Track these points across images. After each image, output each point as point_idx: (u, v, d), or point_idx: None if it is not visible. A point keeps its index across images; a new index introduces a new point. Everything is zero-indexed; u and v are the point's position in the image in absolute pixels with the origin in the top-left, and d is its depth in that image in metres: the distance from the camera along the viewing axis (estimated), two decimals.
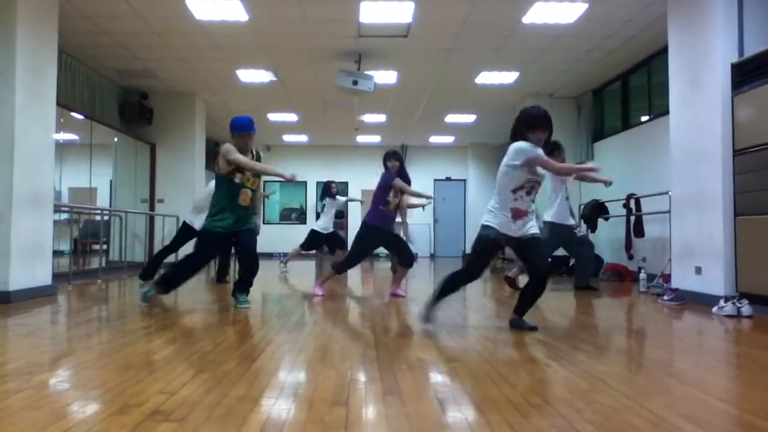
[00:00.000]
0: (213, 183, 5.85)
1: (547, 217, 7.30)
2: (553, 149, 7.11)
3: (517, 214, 4.21)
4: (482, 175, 17.27)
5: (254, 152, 5.58)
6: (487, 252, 4.35)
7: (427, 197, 7.23)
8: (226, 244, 5.66)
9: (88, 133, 9.98)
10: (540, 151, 4.22)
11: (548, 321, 4.92)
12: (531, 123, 4.26)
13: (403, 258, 6.50)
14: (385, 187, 6.34)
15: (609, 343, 4.02)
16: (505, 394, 2.60)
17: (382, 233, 6.40)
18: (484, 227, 4.29)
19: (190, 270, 5.51)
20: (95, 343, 3.87)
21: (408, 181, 6.46)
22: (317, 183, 17.83)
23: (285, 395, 2.59)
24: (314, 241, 10.61)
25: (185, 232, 7.67)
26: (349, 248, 10.83)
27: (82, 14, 7.58)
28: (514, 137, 4.32)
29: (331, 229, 10.59)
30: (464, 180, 18.33)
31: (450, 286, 4.47)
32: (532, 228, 4.29)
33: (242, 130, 5.41)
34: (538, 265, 4.31)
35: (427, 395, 2.62)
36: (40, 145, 6.45)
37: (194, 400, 2.45)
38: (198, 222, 7.22)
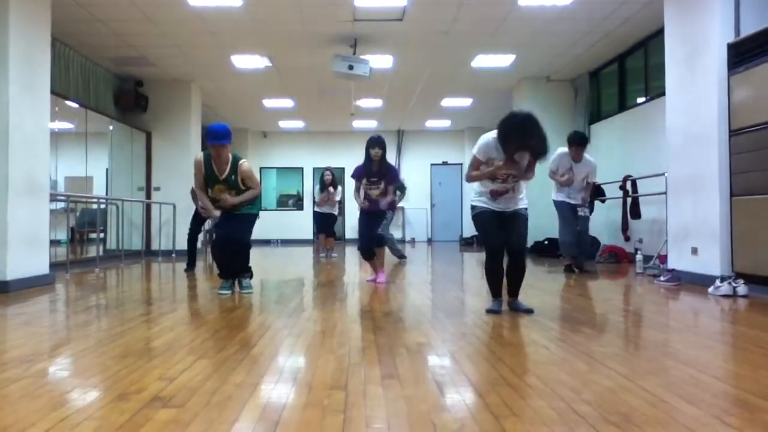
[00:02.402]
0: None
1: None
2: (571, 142, 7.31)
3: (496, 194, 4.31)
4: None
5: (231, 158, 5.36)
6: (487, 222, 4.35)
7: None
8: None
9: (83, 121, 9.93)
10: (479, 149, 4.24)
11: (545, 303, 4.94)
12: (505, 136, 4.09)
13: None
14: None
15: (606, 325, 4.04)
16: (503, 376, 2.61)
17: (367, 213, 6.39)
18: (472, 207, 4.44)
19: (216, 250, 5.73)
20: (93, 331, 3.87)
21: (388, 171, 6.40)
22: (314, 169, 17.82)
23: (284, 380, 2.60)
24: (317, 222, 10.81)
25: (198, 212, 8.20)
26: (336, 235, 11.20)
27: (75, 2, 7.50)
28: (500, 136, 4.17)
29: (333, 211, 10.65)
30: (461, 164, 18.28)
31: (489, 275, 4.45)
32: (519, 204, 4.36)
33: (213, 139, 5.22)
34: (512, 241, 4.33)
35: (426, 378, 2.64)
36: (35, 134, 6.42)
37: (193, 387, 2.46)
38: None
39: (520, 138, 4.01)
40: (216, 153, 5.28)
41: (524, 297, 4.53)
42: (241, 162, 5.37)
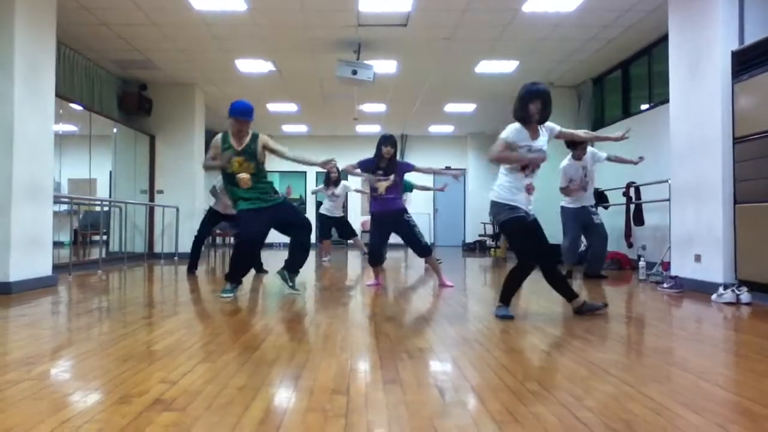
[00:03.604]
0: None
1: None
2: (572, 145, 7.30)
3: (530, 189, 4.35)
4: (481, 165, 17.22)
5: (251, 133, 5.59)
6: (529, 230, 4.34)
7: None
8: (263, 218, 5.52)
9: (88, 124, 9.95)
10: (509, 134, 4.29)
11: (547, 309, 4.93)
12: (527, 96, 4.47)
13: (415, 248, 6.43)
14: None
15: (608, 331, 4.03)
16: (504, 382, 2.61)
17: (384, 217, 6.39)
18: (511, 208, 4.31)
19: (241, 250, 5.67)
20: (96, 334, 3.88)
21: (398, 167, 6.44)
22: (316, 173, 17.84)
23: (285, 384, 2.60)
24: (322, 226, 10.65)
25: (212, 216, 8.42)
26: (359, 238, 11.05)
27: (81, 6, 7.54)
28: (516, 113, 4.44)
29: (338, 214, 10.52)
30: (464, 169, 18.28)
31: (514, 283, 4.45)
32: (532, 210, 4.43)
33: (240, 115, 5.47)
34: (547, 253, 4.43)
35: (427, 383, 2.63)
36: (40, 137, 6.44)
37: (195, 390, 2.46)
38: (218, 205, 8.29)
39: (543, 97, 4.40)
40: (237, 127, 5.49)
41: (527, 303, 4.52)
42: (261, 135, 5.63)
